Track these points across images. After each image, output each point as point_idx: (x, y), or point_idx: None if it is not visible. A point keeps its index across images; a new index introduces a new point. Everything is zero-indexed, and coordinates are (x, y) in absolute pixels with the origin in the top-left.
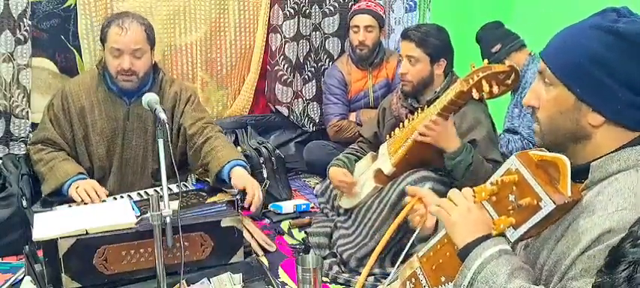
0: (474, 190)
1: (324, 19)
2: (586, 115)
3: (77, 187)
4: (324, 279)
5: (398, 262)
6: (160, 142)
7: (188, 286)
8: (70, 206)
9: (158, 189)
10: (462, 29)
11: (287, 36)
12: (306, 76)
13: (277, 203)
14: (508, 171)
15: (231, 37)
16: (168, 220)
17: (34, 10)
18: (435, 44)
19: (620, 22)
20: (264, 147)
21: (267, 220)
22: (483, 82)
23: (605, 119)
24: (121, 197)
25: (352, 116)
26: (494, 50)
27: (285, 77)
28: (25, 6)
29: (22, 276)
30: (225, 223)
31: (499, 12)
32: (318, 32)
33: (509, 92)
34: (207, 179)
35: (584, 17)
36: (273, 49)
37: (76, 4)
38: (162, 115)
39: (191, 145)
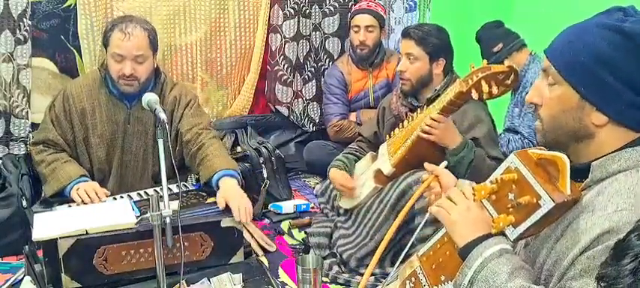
0: (473, 189)
1: (324, 19)
2: (589, 115)
3: (78, 189)
4: (324, 279)
5: (398, 262)
6: (160, 142)
7: (188, 286)
8: (69, 206)
9: (158, 189)
10: (462, 29)
11: (287, 36)
12: (306, 76)
13: (277, 203)
14: (507, 169)
15: (231, 37)
16: (168, 220)
17: (34, 10)
18: (435, 43)
19: (626, 21)
20: (264, 147)
21: (267, 220)
22: (482, 82)
23: (609, 119)
24: (121, 197)
25: (352, 116)
26: (495, 50)
27: (285, 77)
28: (25, 6)
29: (22, 276)
30: (225, 223)
31: (499, 12)
32: (318, 32)
33: (510, 92)
34: None
35: (585, 16)
36: (273, 49)
37: (76, 4)
38: (162, 115)
39: (187, 152)
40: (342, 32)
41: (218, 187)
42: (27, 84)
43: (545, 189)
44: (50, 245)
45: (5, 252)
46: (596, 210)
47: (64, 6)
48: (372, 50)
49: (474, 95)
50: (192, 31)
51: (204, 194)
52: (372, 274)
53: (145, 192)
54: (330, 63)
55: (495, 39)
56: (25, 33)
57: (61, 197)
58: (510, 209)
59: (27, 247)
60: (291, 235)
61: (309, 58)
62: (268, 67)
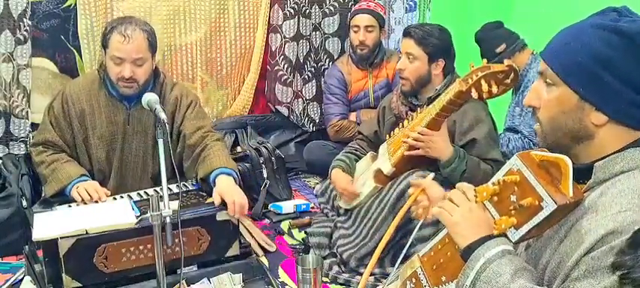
0: (475, 190)
1: (324, 19)
2: (589, 115)
3: (78, 188)
4: (324, 279)
5: (397, 262)
6: (160, 142)
7: (188, 286)
8: (69, 206)
9: (158, 189)
10: (462, 29)
11: (287, 36)
12: (306, 76)
13: (277, 203)
14: (510, 171)
15: (231, 37)
16: (168, 220)
17: (34, 10)
18: (435, 44)
19: (621, 20)
20: (264, 147)
21: (267, 220)
22: (482, 81)
23: (609, 118)
24: (121, 197)
25: (352, 116)
26: (498, 50)
27: (285, 77)
28: (25, 6)
29: (22, 276)
30: (221, 216)
31: (499, 12)
32: (318, 32)
33: (511, 91)
34: None
35: (584, 16)
36: (273, 49)
37: (76, 4)
38: (162, 115)
39: (189, 154)
40: (342, 32)
41: (215, 185)
42: (27, 84)
43: (548, 191)
44: (50, 245)
45: (5, 252)
46: (600, 211)
47: (64, 6)
48: (371, 50)
49: (474, 94)
50: (192, 31)
51: (204, 194)
52: (372, 274)
53: (145, 192)
54: (330, 63)
55: (498, 40)
56: (25, 33)
57: (62, 197)
58: (512, 211)
59: (27, 247)
60: (291, 235)
61: (309, 58)
62: (268, 67)
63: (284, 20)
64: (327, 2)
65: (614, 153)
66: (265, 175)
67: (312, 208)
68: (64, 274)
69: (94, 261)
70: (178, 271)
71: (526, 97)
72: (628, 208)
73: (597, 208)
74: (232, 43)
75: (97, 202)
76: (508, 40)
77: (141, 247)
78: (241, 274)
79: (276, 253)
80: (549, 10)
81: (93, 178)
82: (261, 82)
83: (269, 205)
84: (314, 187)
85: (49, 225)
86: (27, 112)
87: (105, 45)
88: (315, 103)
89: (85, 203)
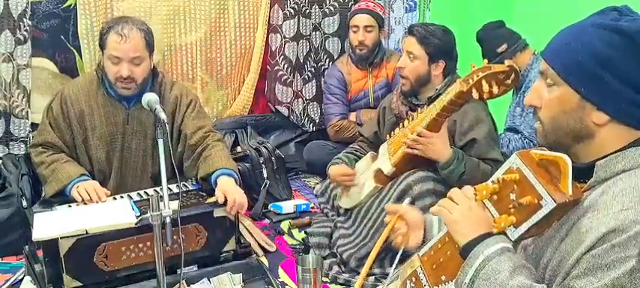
0: (475, 189)
1: (324, 19)
2: (590, 114)
3: (78, 188)
4: (324, 279)
5: (396, 262)
6: (160, 142)
7: (188, 286)
8: (69, 206)
9: (158, 189)
10: (462, 29)
11: (287, 36)
12: (306, 76)
13: (277, 203)
14: (509, 170)
15: (231, 37)
16: (168, 220)
17: (34, 10)
18: (437, 44)
19: (622, 20)
20: (264, 147)
21: (267, 220)
22: (483, 82)
23: (610, 118)
24: (121, 197)
25: (352, 116)
26: (500, 50)
27: (285, 77)
28: (25, 6)
29: (22, 276)
30: (218, 213)
31: (499, 12)
32: (318, 32)
33: (511, 91)
34: None
35: (585, 16)
36: (273, 49)
37: (76, 4)
38: (163, 115)
39: (189, 153)
40: (342, 32)
41: (216, 185)
42: (27, 84)
43: (547, 189)
44: (50, 245)
45: (5, 252)
46: (602, 209)
47: (64, 6)
48: (371, 50)
49: (475, 95)
50: (192, 31)
51: (204, 194)
52: (373, 274)
53: (145, 192)
54: (330, 63)
55: (499, 39)
56: (25, 33)
57: (62, 197)
58: (512, 209)
59: (27, 247)
60: (291, 235)
61: (309, 58)
62: (268, 67)
63: (284, 20)
64: (327, 2)
65: (615, 152)
66: (265, 175)
67: (312, 208)
68: (64, 274)
69: (95, 260)
70: (178, 270)
71: (527, 96)
72: (629, 206)
73: (598, 206)
74: (232, 43)
75: (97, 202)
76: (509, 40)
77: (141, 246)
78: (241, 274)
79: (276, 253)
80: (549, 10)
81: (93, 179)
82: (261, 82)
83: (269, 205)
84: (314, 187)
85: (49, 225)
86: (27, 112)
87: (102, 45)
88: (315, 103)
89: (85, 203)
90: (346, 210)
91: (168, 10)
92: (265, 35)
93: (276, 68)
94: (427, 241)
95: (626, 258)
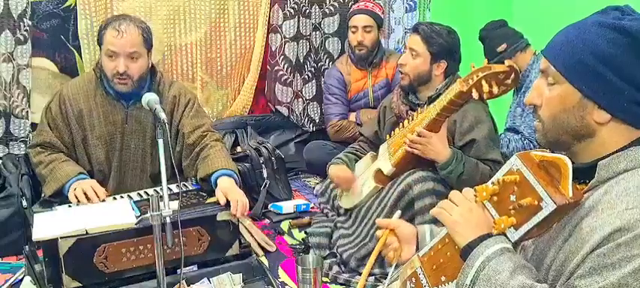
0: (475, 190)
1: (324, 19)
2: (591, 113)
3: (76, 188)
4: (324, 279)
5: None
6: (160, 142)
7: (188, 286)
8: (70, 206)
9: (158, 189)
10: (462, 29)
11: (287, 36)
12: (306, 76)
13: (277, 203)
14: (509, 171)
15: (231, 37)
16: (168, 220)
17: (34, 10)
18: (440, 44)
19: (624, 19)
20: (264, 147)
21: (267, 220)
22: (483, 82)
23: (611, 116)
24: (121, 197)
25: (352, 116)
26: (499, 50)
27: (285, 77)
28: (25, 6)
29: (22, 276)
30: (221, 216)
31: (499, 12)
32: (318, 32)
33: (512, 91)
34: None
35: (585, 16)
36: (273, 49)
37: (76, 4)
38: (163, 115)
39: (188, 153)
40: (342, 32)
41: (216, 186)
42: (27, 84)
43: (547, 191)
44: (50, 245)
45: (5, 252)
46: (606, 209)
47: (64, 6)
48: (370, 50)
49: (475, 95)
50: (192, 31)
51: (204, 194)
52: (372, 274)
53: (145, 192)
54: (330, 63)
55: (500, 39)
56: (25, 33)
57: (61, 197)
58: (512, 211)
59: (27, 247)
60: (291, 235)
61: (309, 58)
62: (268, 67)
63: (284, 20)
64: (327, 2)
65: (617, 151)
66: (265, 175)
67: (312, 208)
68: (64, 274)
69: (94, 261)
70: (178, 271)
71: (527, 95)
72: (634, 205)
73: (602, 206)
74: (232, 43)
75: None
76: (510, 40)
77: (141, 247)
78: (241, 274)
79: (276, 253)
80: (548, 10)
81: (93, 179)
82: (261, 82)
83: (269, 205)
84: (314, 187)
85: (49, 225)
86: (27, 112)
87: (100, 42)
88: (315, 103)
89: (84, 205)
90: (346, 210)
91: (169, 10)
92: (265, 35)
93: (276, 68)
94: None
95: (632, 257)
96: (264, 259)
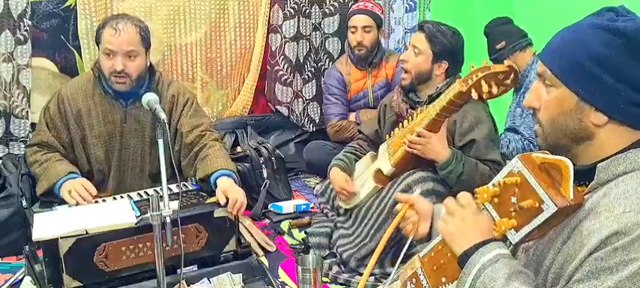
0: (476, 192)
1: (324, 19)
2: (589, 115)
3: (67, 188)
4: (324, 279)
5: (397, 263)
6: (160, 142)
7: (188, 286)
8: (70, 206)
9: (158, 189)
10: (462, 29)
11: (287, 36)
12: (306, 76)
13: (277, 203)
14: (510, 173)
15: (231, 37)
16: (168, 220)
17: (34, 10)
18: (444, 44)
19: (618, 20)
20: (264, 147)
21: (267, 220)
22: (482, 82)
23: (609, 118)
24: (121, 197)
25: (352, 116)
26: (498, 47)
27: (285, 77)
28: (25, 6)
29: (22, 276)
30: (218, 213)
31: (499, 12)
32: (318, 32)
33: (512, 92)
34: None
35: (583, 17)
36: (273, 49)
37: (76, 4)
38: (162, 115)
39: (186, 152)
40: (342, 32)
41: (216, 186)
42: (27, 84)
43: (548, 193)
44: (50, 245)
45: (5, 252)
46: (604, 212)
47: (64, 6)
48: (369, 50)
49: (474, 95)
50: (192, 31)
51: (204, 194)
52: (373, 274)
53: (145, 192)
54: (330, 63)
55: (500, 36)
56: (25, 33)
57: (53, 196)
58: (513, 212)
59: (27, 247)
60: (291, 235)
61: (309, 58)
62: (268, 67)
63: (284, 20)
64: (327, 2)
65: (616, 154)
66: (265, 175)
67: (312, 208)
68: (64, 274)
69: (94, 260)
70: (178, 271)
71: (526, 98)
72: (632, 209)
73: (601, 209)
74: (232, 43)
75: (95, 201)
76: (510, 38)
77: (141, 246)
78: (241, 274)
79: (276, 253)
80: (548, 11)
81: (93, 178)
82: (261, 82)
83: (269, 205)
84: (314, 187)
85: (49, 225)
86: (27, 112)
87: (98, 40)
88: (315, 103)
89: (80, 205)
90: (346, 210)
91: (169, 10)
92: (265, 35)
93: (276, 68)
94: (434, 231)
95: (630, 261)
96: (264, 259)
